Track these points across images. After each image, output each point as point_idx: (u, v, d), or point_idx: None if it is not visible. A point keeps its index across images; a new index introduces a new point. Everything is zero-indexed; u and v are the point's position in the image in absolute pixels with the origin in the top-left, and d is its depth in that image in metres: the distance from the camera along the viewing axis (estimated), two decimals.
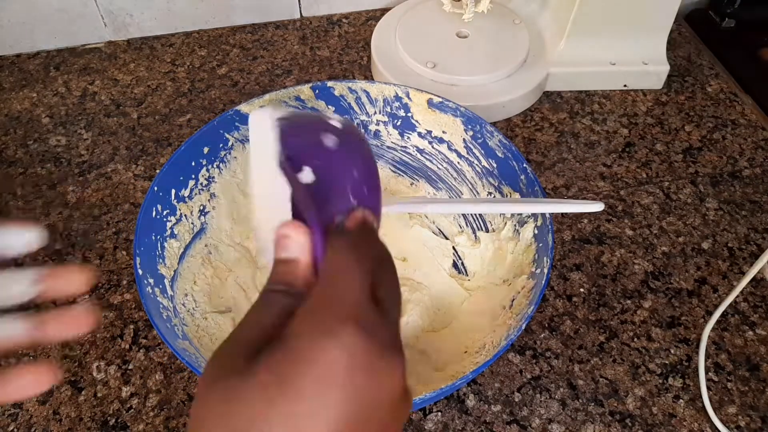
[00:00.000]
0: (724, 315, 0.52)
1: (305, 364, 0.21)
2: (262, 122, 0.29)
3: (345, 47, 0.76)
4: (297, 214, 0.28)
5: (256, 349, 0.22)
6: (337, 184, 0.28)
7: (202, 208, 0.52)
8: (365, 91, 0.54)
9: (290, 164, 0.28)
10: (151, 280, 0.44)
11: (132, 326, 0.51)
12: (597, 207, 0.37)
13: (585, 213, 0.59)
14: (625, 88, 0.71)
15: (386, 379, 0.22)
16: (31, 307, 0.26)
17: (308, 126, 0.30)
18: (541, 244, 0.46)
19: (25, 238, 0.27)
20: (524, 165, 0.48)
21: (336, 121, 0.30)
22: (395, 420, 0.23)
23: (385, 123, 0.56)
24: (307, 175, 0.28)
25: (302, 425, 0.20)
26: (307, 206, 0.27)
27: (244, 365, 0.21)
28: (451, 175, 0.56)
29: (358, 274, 0.23)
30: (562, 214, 0.58)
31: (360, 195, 0.28)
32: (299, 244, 0.25)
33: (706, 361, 0.48)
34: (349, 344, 0.21)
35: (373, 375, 0.21)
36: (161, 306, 0.44)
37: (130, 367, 0.49)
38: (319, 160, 0.28)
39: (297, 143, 0.29)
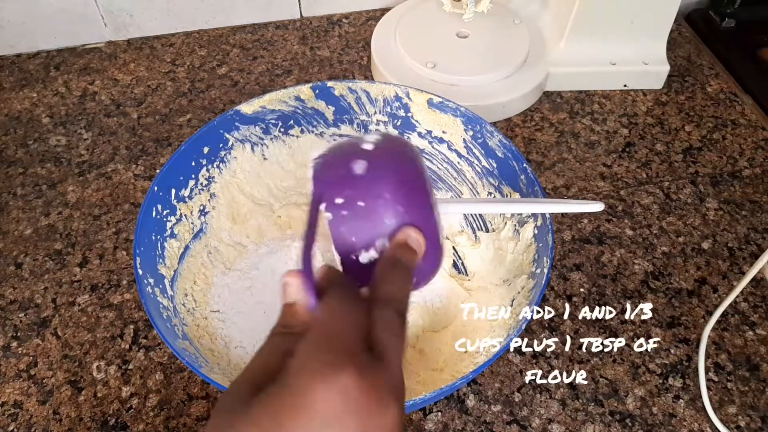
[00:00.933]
0: (724, 315, 0.52)
1: (298, 405, 0.21)
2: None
3: (345, 47, 0.76)
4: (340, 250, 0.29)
5: (258, 386, 0.23)
6: (367, 212, 0.28)
7: (202, 208, 0.52)
8: (365, 91, 0.54)
9: (320, 204, 0.28)
10: (151, 280, 0.44)
11: (132, 326, 0.51)
12: (597, 207, 0.37)
13: (585, 213, 0.59)
14: (625, 88, 0.71)
15: (379, 424, 0.22)
16: None
17: (338, 158, 0.29)
18: (541, 244, 0.46)
19: None
20: (524, 165, 0.48)
21: (368, 142, 0.29)
22: None
23: (385, 123, 0.55)
24: (332, 211, 0.28)
25: None
26: (335, 242, 0.28)
27: (246, 399, 0.23)
28: (451, 175, 0.56)
29: (355, 316, 0.24)
30: (562, 214, 0.58)
31: (396, 214, 0.28)
32: (296, 289, 0.26)
33: (706, 361, 0.48)
34: (344, 387, 0.22)
35: (366, 419, 0.22)
36: (161, 306, 0.44)
37: (130, 367, 0.49)
38: (349, 190, 0.28)
39: (324, 180, 0.29)
